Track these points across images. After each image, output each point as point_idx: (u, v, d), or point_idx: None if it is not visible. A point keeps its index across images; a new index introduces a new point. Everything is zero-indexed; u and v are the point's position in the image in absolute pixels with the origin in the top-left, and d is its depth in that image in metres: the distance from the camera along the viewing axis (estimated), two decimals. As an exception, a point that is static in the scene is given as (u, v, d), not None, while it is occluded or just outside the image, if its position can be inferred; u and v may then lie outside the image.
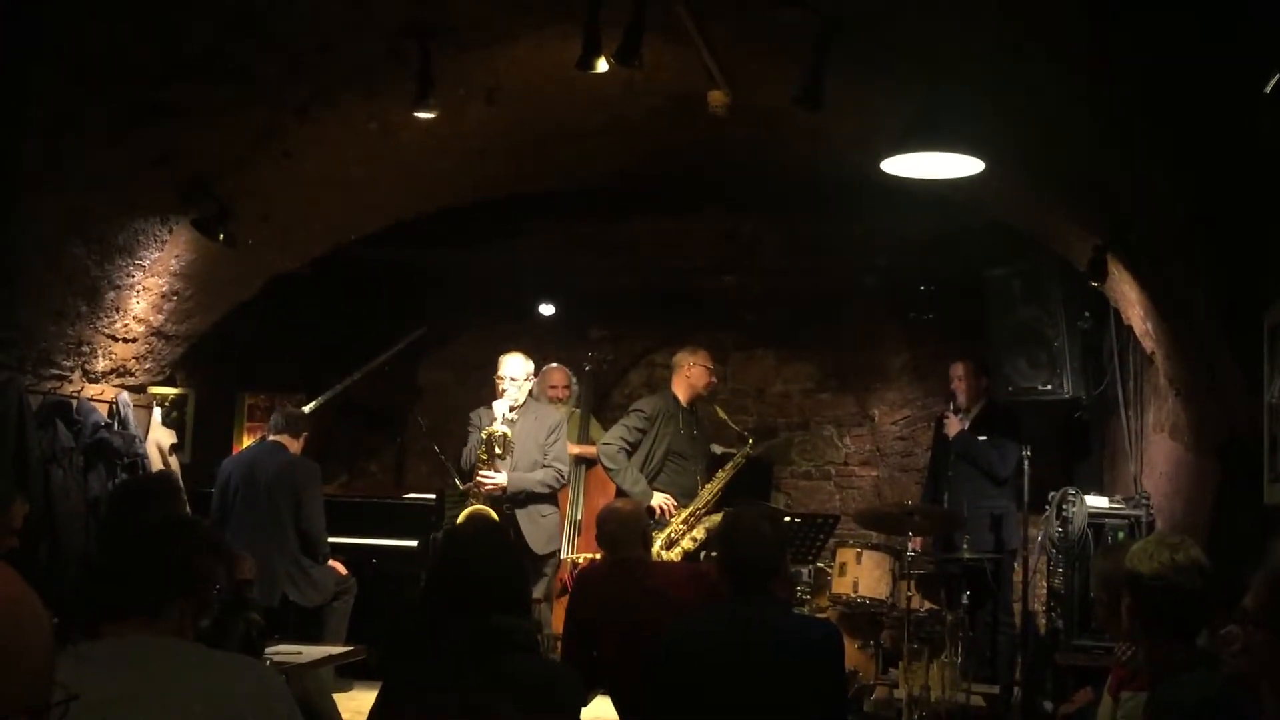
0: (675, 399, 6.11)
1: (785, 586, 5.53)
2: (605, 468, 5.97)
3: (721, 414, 6.38)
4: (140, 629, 1.89)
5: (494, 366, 5.94)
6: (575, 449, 6.54)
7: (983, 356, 6.35)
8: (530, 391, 5.89)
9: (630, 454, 5.94)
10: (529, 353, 6.06)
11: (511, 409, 5.73)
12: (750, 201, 6.96)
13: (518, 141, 5.49)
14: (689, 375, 6.11)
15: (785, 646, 2.91)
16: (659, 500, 5.85)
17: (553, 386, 6.80)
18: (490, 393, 5.94)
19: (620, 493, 5.88)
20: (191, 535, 2.13)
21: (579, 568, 5.92)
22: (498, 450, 5.60)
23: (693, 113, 4.86)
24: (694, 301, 7.77)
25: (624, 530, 4.08)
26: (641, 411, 6.05)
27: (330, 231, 5.97)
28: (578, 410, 6.95)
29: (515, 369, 5.80)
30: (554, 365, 6.84)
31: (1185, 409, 4.68)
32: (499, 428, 5.61)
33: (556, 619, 5.81)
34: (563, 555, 6.20)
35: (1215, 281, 3.83)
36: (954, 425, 6.18)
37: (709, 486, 6.02)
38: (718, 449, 6.56)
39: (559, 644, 4.37)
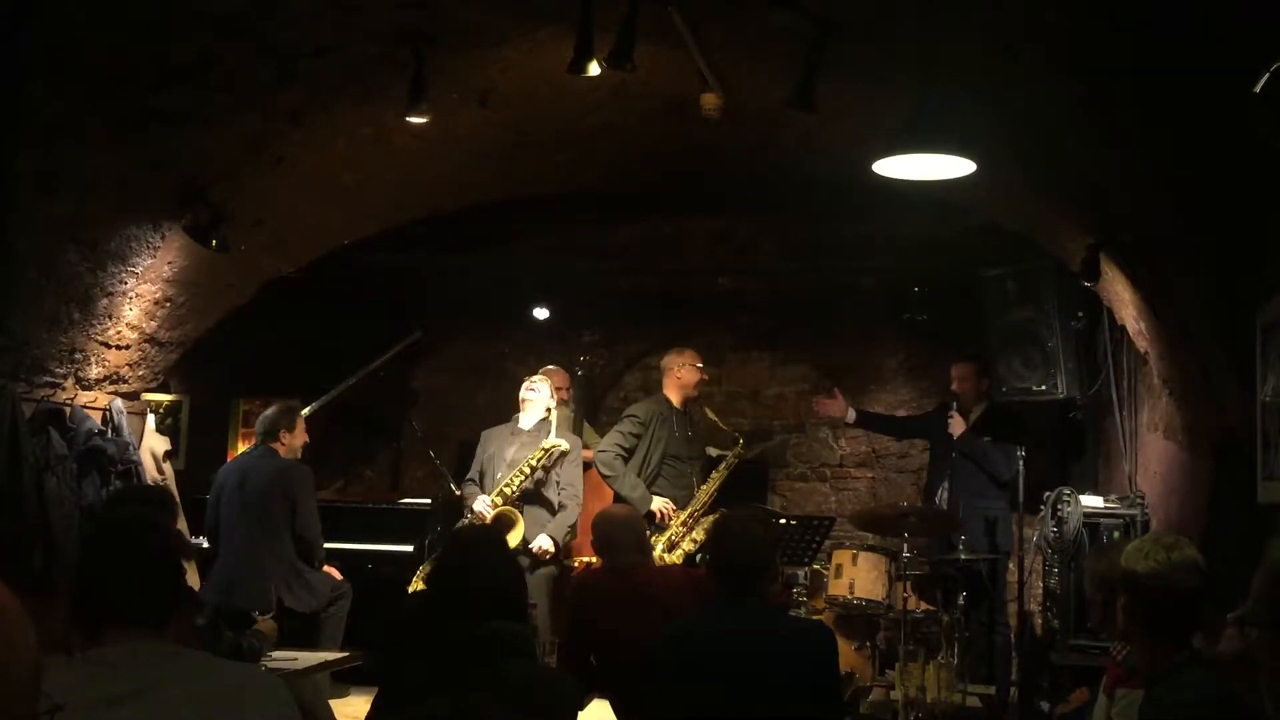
0: (668, 402, 6.12)
1: (779, 590, 5.56)
2: (602, 475, 5.98)
3: (712, 415, 6.39)
4: (145, 637, 1.89)
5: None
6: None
7: (983, 357, 6.36)
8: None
9: (626, 460, 5.95)
10: (525, 356, 6.08)
11: (524, 412, 5.86)
12: (745, 204, 6.97)
13: (511, 145, 5.49)
14: (679, 376, 6.12)
15: (779, 648, 2.91)
16: (659, 504, 5.86)
17: (559, 388, 6.83)
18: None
19: (618, 498, 5.89)
20: (183, 544, 2.14)
21: (575, 572, 5.94)
22: (545, 464, 5.67)
23: (686, 116, 4.86)
24: (689, 304, 7.77)
25: (620, 536, 4.08)
26: (635, 416, 6.06)
27: (324, 236, 5.97)
28: (571, 414, 6.95)
29: (547, 385, 5.97)
30: (552, 368, 6.84)
31: (1179, 408, 4.68)
32: (562, 442, 5.70)
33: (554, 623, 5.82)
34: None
35: (1208, 280, 3.84)
36: (958, 424, 6.18)
37: (704, 488, 6.03)
38: (713, 451, 6.56)
39: (555, 648, 4.37)
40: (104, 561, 2.01)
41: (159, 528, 2.18)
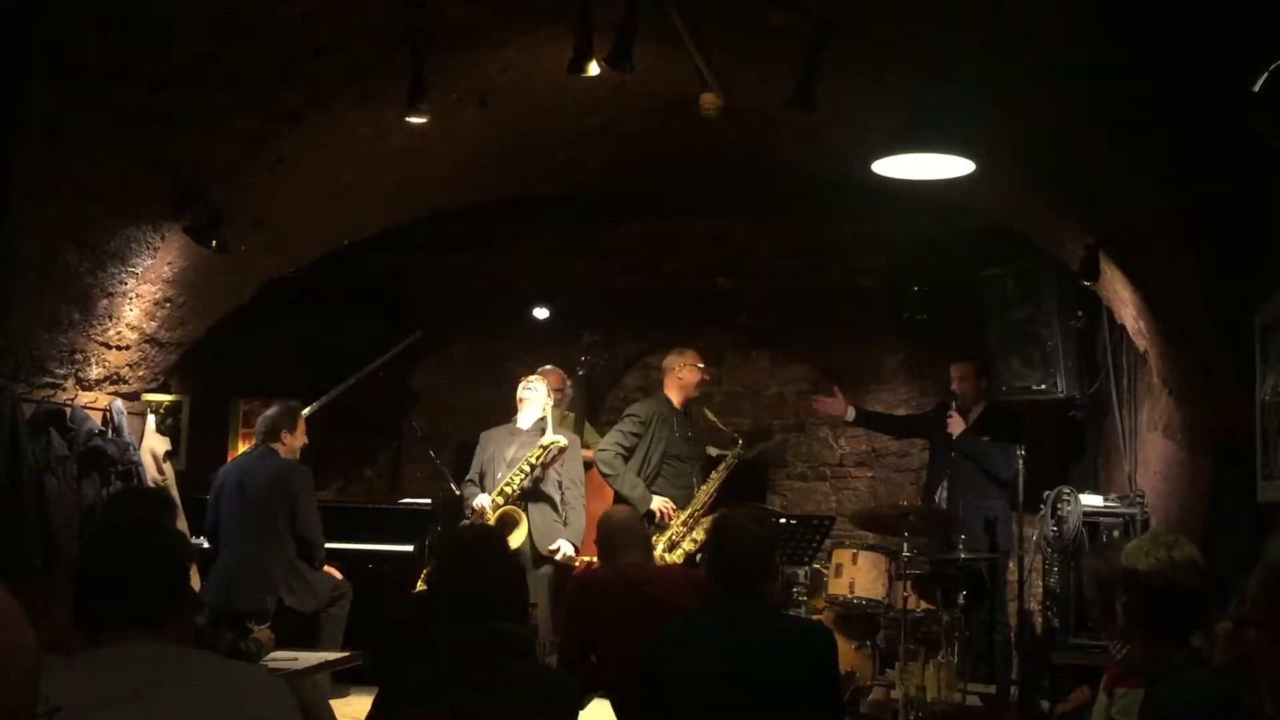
0: (669, 402, 6.14)
1: (777, 589, 5.56)
2: (603, 474, 5.99)
3: (711, 416, 6.41)
4: (146, 637, 1.88)
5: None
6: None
7: (982, 357, 6.37)
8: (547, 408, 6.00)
9: (627, 459, 5.96)
10: (524, 356, 6.09)
11: (522, 412, 5.90)
12: (744, 203, 6.97)
13: (511, 145, 5.49)
14: (680, 376, 6.15)
15: (778, 648, 2.91)
16: (659, 504, 5.87)
17: (554, 389, 6.84)
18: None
19: (618, 497, 5.90)
20: (185, 545, 2.13)
21: (576, 571, 5.96)
22: (544, 461, 5.71)
23: (686, 115, 4.86)
24: (689, 304, 7.77)
25: (622, 536, 4.09)
26: (636, 416, 6.07)
27: (324, 236, 5.97)
28: (571, 414, 6.96)
29: (543, 384, 6.00)
30: (548, 367, 6.85)
31: (1179, 407, 4.68)
32: (560, 438, 5.72)
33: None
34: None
35: (1207, 280, 3.84)
36: (957, 424, 6.19)
37: (704, 488, 6.04)
38: (713, 451, 6.58)
39: (555, 648, 4.37)
40: (104, 562, 2.01)
41: (160, 528, 2.18)
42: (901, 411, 7.43)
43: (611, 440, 6.01)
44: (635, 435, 6.00)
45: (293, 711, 1.90)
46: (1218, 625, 2.44)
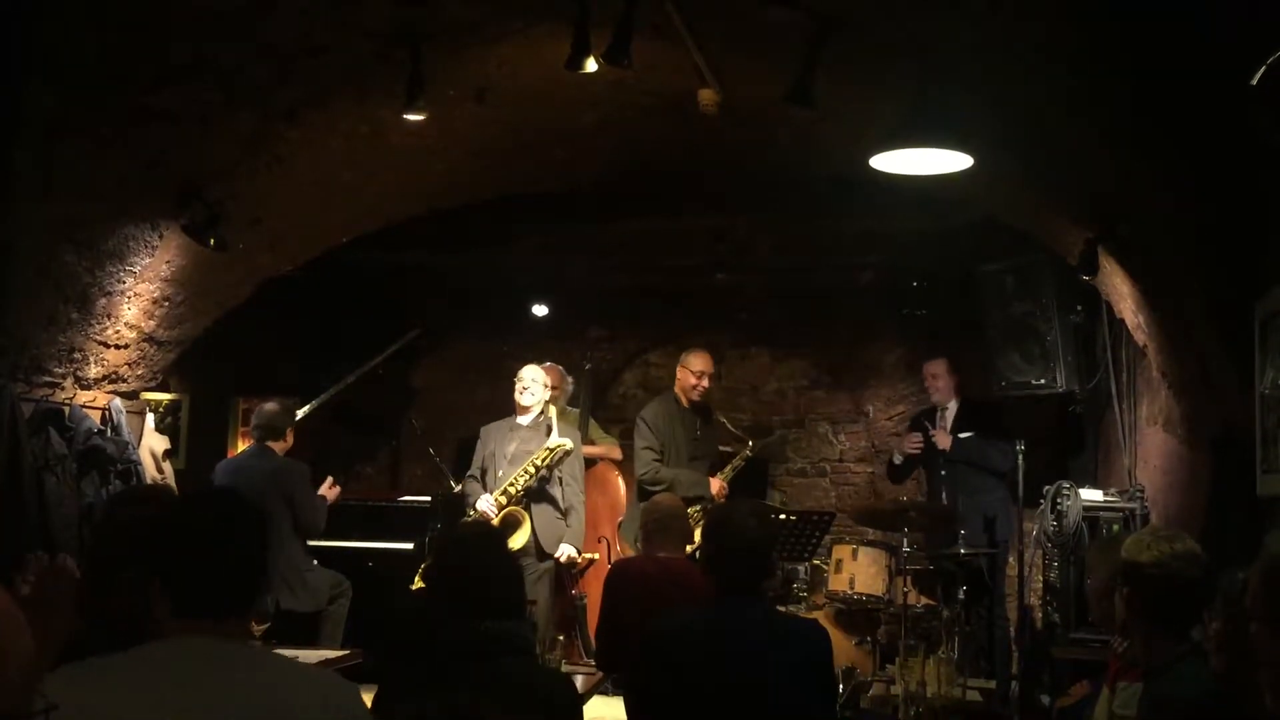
0: (676, 400, 6.24)
1: (775, 585, 5.58)
2: (651, 490, 5.93)
3: (721, 418, 6.49)
4: (208, 632, 1.81)
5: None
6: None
7: (955, 355, 6.42)
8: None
9: (662, 464, 6.04)
10: (524, 354, 6.10)
11: (524, 412, 5.91)
12: (743, 200, 6.97)
13: (509, 142, 5.49)
14: (678, 378, 6.32)
15: (775, 647, 2.90)
16: (716, 485, 5.97)
17: (552, 386, 6.84)
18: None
19: (642, 494, 5.91)
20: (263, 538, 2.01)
21: (579, 566, 6.00)
22: (550, 464, 5.71)
23: (684, 112, 4.85)
24: (688, 301, 7.78)
25: (667, 524, 4.10)
26: (644, 420, 6.17)
27: (322, 234, 5.97)
28: (571, 409, 6.96)
29: (536, 374, 5.99)
30: (547, 364, 6.86)
31: (1178, 401, 4.69)
32: (566, 441, 5.72)
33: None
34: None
35: (1206, 274, 3.84)
36: (943, 438, 6.21)
37: (711, 486, 6.10)
38: (724, 449, 6.63)
39: (555, 646, 4.39)
40: (190, 550, 1.87)
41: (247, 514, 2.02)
42: (901, 408, 7.47)
43: (643, 459, 6.06)
44: (656, 438, 6.07)
45: (351, 712, 1.83)
46: (1210, 626, 2.44)
